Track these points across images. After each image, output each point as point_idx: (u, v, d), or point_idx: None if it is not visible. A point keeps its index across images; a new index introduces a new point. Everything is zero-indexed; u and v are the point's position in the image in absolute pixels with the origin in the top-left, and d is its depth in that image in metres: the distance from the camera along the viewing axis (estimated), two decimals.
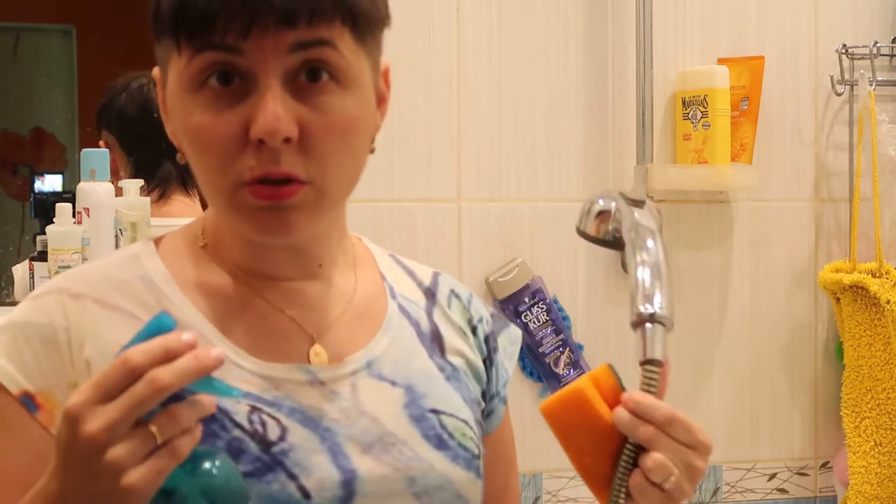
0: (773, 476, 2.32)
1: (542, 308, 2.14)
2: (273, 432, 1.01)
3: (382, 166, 2.11)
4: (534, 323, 2.13)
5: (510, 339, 1.23)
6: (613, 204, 1.18)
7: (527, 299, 2.13)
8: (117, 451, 0.85)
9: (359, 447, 1.04)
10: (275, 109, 0.97)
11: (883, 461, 2.20)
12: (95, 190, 1.91)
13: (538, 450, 2.12)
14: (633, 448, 1.02)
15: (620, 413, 1.01)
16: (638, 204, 1.18)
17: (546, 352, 2.14)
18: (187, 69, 0.99)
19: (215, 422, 0.99)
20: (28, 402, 1.01)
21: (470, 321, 1.19)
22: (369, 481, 1.03)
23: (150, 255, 1.09)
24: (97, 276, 1.07)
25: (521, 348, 1.25)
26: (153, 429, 0.85)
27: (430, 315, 1.17)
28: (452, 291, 1.21)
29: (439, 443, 1.08)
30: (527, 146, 2.17)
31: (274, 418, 1.02)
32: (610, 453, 1.04)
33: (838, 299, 2.25)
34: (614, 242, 1.18)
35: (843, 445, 2.26)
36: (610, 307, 2.21)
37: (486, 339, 1.20)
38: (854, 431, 2.23)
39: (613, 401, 1.04)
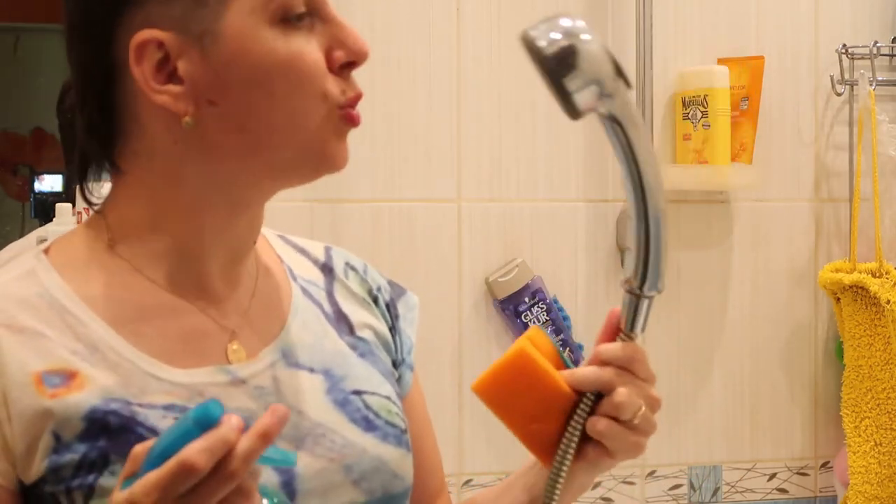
0: (773, 476, 2.32)
1: (542, 308, 2.14)
2: None
3: (382, 166, 2.11)
4: (534, 323, 2.13)
5: (408, 307, 1.23)
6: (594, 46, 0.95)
7: (527, 299, 2.13)
8: None
9: (291, 444, 1.03)
10: (358, 32, 1.03)
11: (883, 461, 2.20)
12: (95, 189, 1.91)
13: None
14: (591, 399, 1.03)
15: (584, 369, 1.04)
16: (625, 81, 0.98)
17: None
18: (269, 4, 1.00)
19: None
20: None
21: (370, 291, 1.20)
22: (308, 478, 1.03)
23: (45, 270, 1.03)
24: None
25: None
26: None
27: (330, 294, 1.16)
28: (347, 264, 1.21)
29: (367, 425, 1.08)
30: (527, 146, 2.17)
31: None
32: (559, 414, 1.04)
33: (838, 299, 2.25)
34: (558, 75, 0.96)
35: (843, 445, 2.26)
36: (610, 307, 2.20)
37: (388, 307, 1.20)
38: (854, 431, 2.23)
39: (553, 360, 1.05)
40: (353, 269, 1.21)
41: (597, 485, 2.18)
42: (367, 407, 1.09)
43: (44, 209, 4.29)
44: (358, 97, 1.04)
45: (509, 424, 1.06)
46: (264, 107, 1.00)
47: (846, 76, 2.28)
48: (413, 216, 2.13)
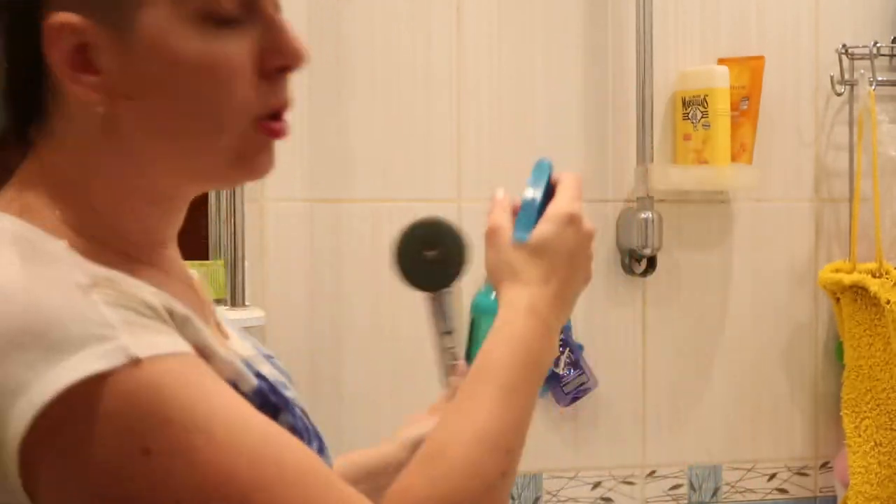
0: (773, 476, 2.32)
1: None
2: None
3: (382, 166, 2.11)
4: None
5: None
6: None
7: None
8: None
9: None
10: (297, 36, 0.96)
11: (883, 461, 2.20)
12: None
13: (538, 450, 2.12)
14: None
15: None
16: None
17: None
18: (191, 1, 0.93)
19: (289, 410, 0.99)
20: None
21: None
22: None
23: (77, 263, 0.92)
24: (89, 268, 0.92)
25: None
26: None
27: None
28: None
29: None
30: (527, 146, 2.17)
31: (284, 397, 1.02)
32: None
33: (838, 299, 2.25)
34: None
35: (843, 445, 2.26)
36: (610, 307, 2.21)
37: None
38: (854, 431, 2.23)
39: None
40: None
41: (597, 485, 2.18)
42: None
43: None
44: (282, 106, 0.97)
45: None
46: (182, 109, 0.94)
47: (846, 76, 2.29)
48: (413, 216, 2.12)
